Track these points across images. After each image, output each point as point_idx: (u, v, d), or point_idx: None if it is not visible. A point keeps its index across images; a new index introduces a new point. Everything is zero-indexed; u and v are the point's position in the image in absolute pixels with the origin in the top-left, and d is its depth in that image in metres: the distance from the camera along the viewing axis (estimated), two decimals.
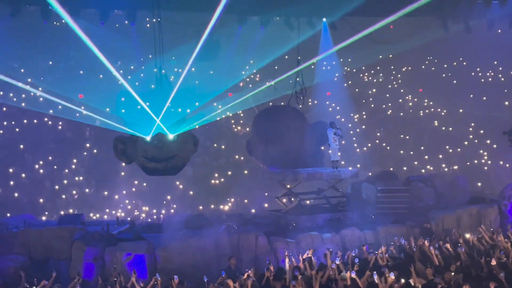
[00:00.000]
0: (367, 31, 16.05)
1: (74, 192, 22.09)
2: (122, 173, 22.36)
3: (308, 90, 19.16)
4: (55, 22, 21.60)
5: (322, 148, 18.84)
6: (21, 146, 22.55)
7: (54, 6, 16.82)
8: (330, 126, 17.65)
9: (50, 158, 22.54)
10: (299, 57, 19.10)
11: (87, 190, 22.20)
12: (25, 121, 23.21)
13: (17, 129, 23.03)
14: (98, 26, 19.47)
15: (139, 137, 14.74)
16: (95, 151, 23.16)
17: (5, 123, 22.96)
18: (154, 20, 18.94)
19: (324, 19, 21.34)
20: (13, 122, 23.05)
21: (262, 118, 18.80)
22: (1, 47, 21.28)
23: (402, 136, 26.32)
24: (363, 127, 26.35)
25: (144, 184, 22.29)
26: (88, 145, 23.27)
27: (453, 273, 11.05)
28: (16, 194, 21.41)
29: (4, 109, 23.21)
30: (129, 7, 18.67)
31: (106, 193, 22.02)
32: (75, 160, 22.81)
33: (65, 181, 22.18)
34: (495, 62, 28.33)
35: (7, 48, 21.59)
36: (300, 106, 18.68)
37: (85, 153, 23.11)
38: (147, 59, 24.09)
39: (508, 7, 19.77)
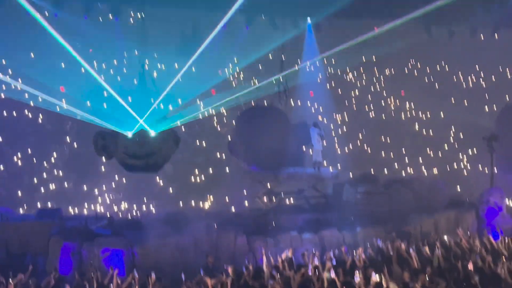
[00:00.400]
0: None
1: (53, 185, 21.89)
2: (102, 168, 22.21)
3: (291, 90, 19.18)
4: (38, 14, 21.37)
5: (304, 148, 18.88)
6: (0, 139, 22.31)
7: None
8: (313, 125, 17.69)
9: (29, 151, 22.30)
10: (282, 57, 19.16)
11: (65, 184, 22.01)
12: (4, 112, 22.96)
13: None
14: (81, 19, 19.36)
15: (120, 133, 14.68)
16: (75, 145, 22.97)
17: None
18: (139, 15, 18.90)
19: (309, 20, 21.42)
20: None
21: (245, 117, 18.82)
22: None
23: (383, 138, 26.41)
24: (345, 128, 26.41)
25: (124, 180, 22.14)
26: (68, 138, 23.08)
27: (427, 276, 11.10)
28: None
29: None
30: (113, 1, 18.58)
31: (85, 187, 21.85)
32: (54, 154, 22.61)
33: (44, 175, 21.98)
34: (477, 68, 28.56)
35: None
36: (283, 106, 18.73)
37: (65, 147, 22.92)
38: (130, 54, 24.00)
39: (492, 14, 19.96)
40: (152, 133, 14.78)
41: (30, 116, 23.28)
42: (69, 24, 20.90)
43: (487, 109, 26.96)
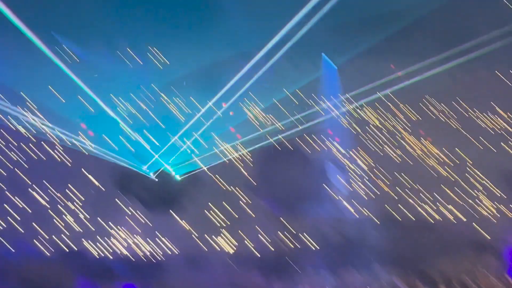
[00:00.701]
0: None
1: (73, 223, 21.90)
2: (123, 207, 22.19)
3: (311, 129, 19.14)
4: (55, 47, 21.69)
5: (325, 187, 18.78)
6: (24, 177, 22.48)
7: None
8: (334, 164, 17.68)
9: (51, 188, 22.40)
10: (302, 96, 19.19)
11: (86, 221, 22.01)
12: (33, 154, 23.17)
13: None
14: (103, 58, 19.56)
15: (143, 174, 14.67)
16: (96, 183, 23.02)
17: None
18: (164, 58, 19.06)
19: (329, 59, 21.46)
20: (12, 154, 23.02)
21: (265, 156, 18.86)
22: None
23: (406, 180, 26.09)
24: (367, 169, 26.16)
25: (145, 218, 22.08)
26: (87, 175, 23.14)
27: None
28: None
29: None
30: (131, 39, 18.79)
31: (105, 225, 21.83)
32: (76, 191, 22.68)
33: (65, 212, 22.02)
34: (502, 111, 28.26)
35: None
36: (303, 144, 18.68)
37: (87, 185, 22.98)
38: (147, 88, 24.16)
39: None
40: (173, 174, 14.76)
41: (54, 154, 23.45)
42: (90, 64, 21.20)
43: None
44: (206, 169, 21.75)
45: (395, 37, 17.30)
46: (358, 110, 28.20)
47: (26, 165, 22.88)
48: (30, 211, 21.88)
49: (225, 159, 23.26)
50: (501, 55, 20.05)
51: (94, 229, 21.94)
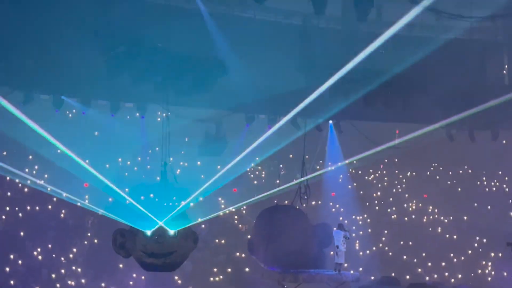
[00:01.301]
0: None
1: (70, 282, 21.76)
2: (121, 265, 22.08)
3: (312, 190, 19.20)
4: (67, 112, 22.03)
5: (325, 250, 18.70)
6: (22, 233, 22.43)
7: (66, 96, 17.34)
8: (338, 228, 17.66)
9: (49, 246, 22.35)
10: (306, 157, 19.32)
11: (83, 280, 21.87)
12: (28, 207, 23.20)
13: (20, 214, 22.98)
14: (108, 117, 19.83)
15: (140, 230, 14.67)
16: (95, 240, 22.98)
17: (7, 208, 22.94)
18: (164, 114, 19.35)
19: (331, 122, 21.76)
20: (16, 208, 23.03)
21: (265, 216, 18.76)
22: (12, 134, 21.58)
23: (405, 241, 26.08)
24: (367, 230, 26.17)
25: (143, 277, 21.95)
26: (89, 234, 23.13)
27: None
28: (12, 282, 21.09)
29: (9, 194, 23.26)
30: (140, 101, 19.06)
31: (103, 284, 21.69)
32: (74, 249, 22.61)
33: (63, 270, 21.90)
34: (500, 172, 28.43)
35: (16, 135, 21.87)
36: (304, 205, 18.69)
37: (85, 242, 22.93)
38: (154, 151, 24.37)
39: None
40: (171, 232, 14.76)
41: (53, 210, 23.49)
42: (96, 122, 21.49)
43: (511, 214, 26.64)
44: (201, 224, 21.79)
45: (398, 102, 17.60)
46: (359, 171, 28.46)
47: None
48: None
49: (220, 214, 23.31)
50: None
51: (91, 286, 21.84)
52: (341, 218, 24.63)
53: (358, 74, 16.93)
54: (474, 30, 18.10)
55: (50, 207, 23.42)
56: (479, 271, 24.79)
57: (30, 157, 24.03)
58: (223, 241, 24.42)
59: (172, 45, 14.98)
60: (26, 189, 23.22)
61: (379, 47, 15.71)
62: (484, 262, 25.13)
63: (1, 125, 20.76)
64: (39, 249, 22.21)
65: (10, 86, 16.50)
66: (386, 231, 26.50)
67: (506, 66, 19.64)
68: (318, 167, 25.16)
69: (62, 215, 23.48)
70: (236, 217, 25.63)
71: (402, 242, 26.04)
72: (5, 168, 20.28)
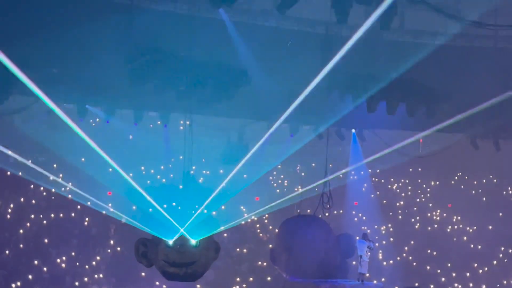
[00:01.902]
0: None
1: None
2: (143, 274, 22.15)
3: (335, 200, 19.12)
4: (90, 121, 22.20)
5: (348, 260, 18.59)
6: (46, 240, 22.62)
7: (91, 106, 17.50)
8: (362, 238, 17.56)
9: (73, 253, 22.51)
10: (330, 165, 19.27)
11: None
12: (52, 215, 23.41)
13: (44, 222, 23.19)
14: (132, 126, 19.96)
15: (162, 240, 14.68)
16: (118, 249, 23.10)
17: (32, 216, 23.16)
18: (187, 122, 19.42)
19: (353, 130, 21.68)
20: (40, 216, 23.24)
21: (287, 226, 18.69)
22: (37, 142, 21.83)
23: (429, 251, 25.82)
24: (390, 239, 25.96)
25: (164, 286, 22.00)
26: (112, 242, 23.26)
27: None
28: None
29: (33, 202, 23.49)
30: (163, 109, 19.17)
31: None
32: (98, 257, 22.74)
33: (86, 278, 22.03)
34: None
35: (42, 143, 22.11)
36: (327, 215, 18.60)
37: (108, 250, 23.06)
38: (177, 159, 24.47)
39: None
40: (193, 242, 14.74)
41: (76, 218, 23.66)
42: (119, 130, 21.64)
43: None
44: (224, 232, 21.78)
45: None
46: (382, 180, 28.27)
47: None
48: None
49: (242, 222, 23.27)
50: None
51: None
52: (364, 228, 24.47)
53: (381, 82, 16.87)
54: (499, 38, 17.94)
55: (73, 214, 23.60)
56: (505, 282, 24.44)
57: (55, 165, 24.25)
58: (245, 250, 24.39)
59: (195, 54, 15.04)
60: (51, 197, 23.44)
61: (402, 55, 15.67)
62: (509, 273, 24.77)
63: (28, 132, 21.07)
64: (63, 257, 22.37)
65: (35, 96, 16.68)
66: (409, 241, 26.27)
67: None
68: (341, 175, 25.04)
69: (86, 223, 23.65)
70: (258, 225, 25.59)
71: (426, 252, 25.79)
72: (30, 176, 20.52)
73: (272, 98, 17.28)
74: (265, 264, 23.43)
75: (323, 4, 15.02)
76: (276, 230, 22.52)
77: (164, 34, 15.04)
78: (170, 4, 15.36)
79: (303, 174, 25.40)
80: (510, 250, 25.45)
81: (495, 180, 28.74)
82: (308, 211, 22.31)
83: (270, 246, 21.97)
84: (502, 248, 25.82)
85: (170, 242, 14.61)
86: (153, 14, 14.89)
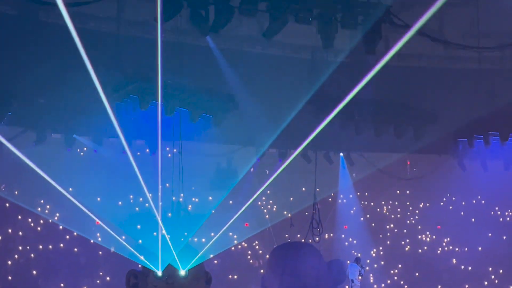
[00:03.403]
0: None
1: None
2: None
3: (324, 224, 19.13)
4: (78, 150, 22.10)
5: (338, 285, 18.56)
6: (34, 272, 22.35)
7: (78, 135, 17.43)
8: (355, 262, 17.59)
9: (62, 285, 22.24)
10: (317, 189, 19.30)
11: None
12: (40, 246, 23.15)
13: (32, 255, 22.92)
14: (119, 154, 19.91)
15: (151, 271, 14.52)
16: (108, 278, 22.86)
17: (20, 248, 22.89)
18: (175, 150, 19.41)
19: (342, 154, 21.79)
20: (28, 247, 22.97)
21: (278, 252, 18.69)
22: (24, 174, 21.64)
23: (420, 273, 25.78)
24: (382, 262, 25.93)
25: None
26: (101, 273, 23.01)
27: None
28: None
29: (20, 233, 23.23)
30: (151, 138, 19.16)
31: None
32: None
33: None
34: None
35: (28, 174, 21.93)
36: (317, 239, 18.61)
37: (98, 281, 22.80)
38: (165, 187, 24.39)
39: None
40: (182, 272, 14.55)
41: (65, 249, 23.41)
42: (107, 160, 21.54)
43: None
44: (214, 259, 21.64)
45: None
46: (371, 203, 28.29)
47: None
48: None
49: (232, 248, 23.16)
50: None
51: None
52: (354, 252, 24.44)
53: (368, 106, 17.01)
54: (482, 59, 18.19)
55: (62, 245, 23.35)
56: None
57: (42, 200, 24.01)
58: (236, 276, 24.22)
59: (183, 81, 15.12)
60: (38, 228, 23.19)
61: (389, 78, 15.80)
62: None
63: (14, 163, 20.90)
64: None
65: (22, 126, 16.67)
66: (400, 264, 26.24)
67: None
68: (330, 199, 25.09)
69: (74, 254, 23.39)
70: (249, 252, 25.46)
71: (416, 274, 25.75)
72: (17, 207, 20.34)
73: (259, 123, 17.37)
74: None
75: (308, 29, 15.18)
76: (267, 256, 22.47)
77: (151, 61, 15.10)
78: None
79: (291, 199, 25.37)
80: (501, 270, 25.45)
81: (483, 201, 28.81)
82: (298, 235, 22.34)
83: (262, 271, 21.89)
84: (490, 269, 25.85)
85: (159, 273, 14.44)
86: (140, 42, 14.97)
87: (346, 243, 25.82)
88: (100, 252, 22.77)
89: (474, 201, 29.00)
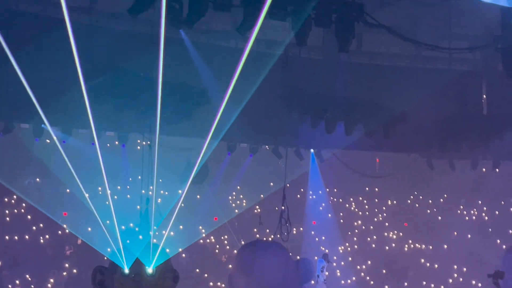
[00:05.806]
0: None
1: None
2: None
3: (293, 219, 19.18)
4: (47, 140, 21.84)
5: (305, 282, 18.61)
6: (0, 263, 22.06)
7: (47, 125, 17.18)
8: (322, 257, 17.70)
9: (27, 276, 21.97)
10: (287, 185, 19.34)
11: None
12: (6, 237, 22.84)
13: None
14: (88, 145, 19.73)
15: (118, 267, 14.27)
16: (74, 271, 22.65)
17: None
18: (144, 143, 19.27)
19: (312, 150, 21.87)
20: None
21: (246, 250, 18.62)
22: None
23: (386, 270, 26.04)
24: (349, 259, 26.12)
25: None
26: (67, 265, 22.79)
27: None
28: None
29: None
30: (121, 130, 19.03)
31: None
32: (52, 280, 22.24)
33: None
34: (480, 202, 28.56)
35: None
36: (285, 236, 18.64)
37: (64, 273, 22.57)
38: (135, 180, 24.22)
39: (490, 149, 20.32)
40: (150, 270, 14.33)
41: (31, 240, 23.13)
42: (76, 151, 21.31)
43: (490, 243, 26.73)
44: (182, 253, 21.55)
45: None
46: (340, 200, 28.47)
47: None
48: None
49: (201, 241, 23.11)
50: None
51: None
52: (322, 248, 24.59)
53: (339, 103, 17.08)
54: (453, 60, 18.41)
55: (27, 237, 23.07)
56: None
57: (9, 190, 23.70)
58: (203, 272, 24.19)
59: (154, 74, 14.99)
60: (5, 218, 22.89)
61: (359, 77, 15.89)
62: None
63: None
64: (17, 281, 21.80)
65: None
66: (367, 260, 26.47)
67: (484, 96, 19.95)
68: (299, 196, 25.19)
69: (40, 245, 23.13)
70: (217, 246, 25.44)
71: (383, 271, 26.00)
72: None
73: (231, 118, 17.33)
74: (223, 286, 23.27)
75: (282, 26, 15.18)
76: (235, 251, 22.47)
77: (123, 53, 14.97)
78: (129, 23, 15.33)
79: (262, 196, 25.42)
80: (465, 268, 25.82)
81: (450, 200, 29.19)
82: (267, 230, 22.38)
83: (230, 266, 21.88)
84: (455, 267, 26.22)
85: (126, 270, 14.20)
86: (111, 34, 14.82)
87: (317, 239, 25.96)
88: (67, 246, 22.57)
89: (441, 200, 29.40)
